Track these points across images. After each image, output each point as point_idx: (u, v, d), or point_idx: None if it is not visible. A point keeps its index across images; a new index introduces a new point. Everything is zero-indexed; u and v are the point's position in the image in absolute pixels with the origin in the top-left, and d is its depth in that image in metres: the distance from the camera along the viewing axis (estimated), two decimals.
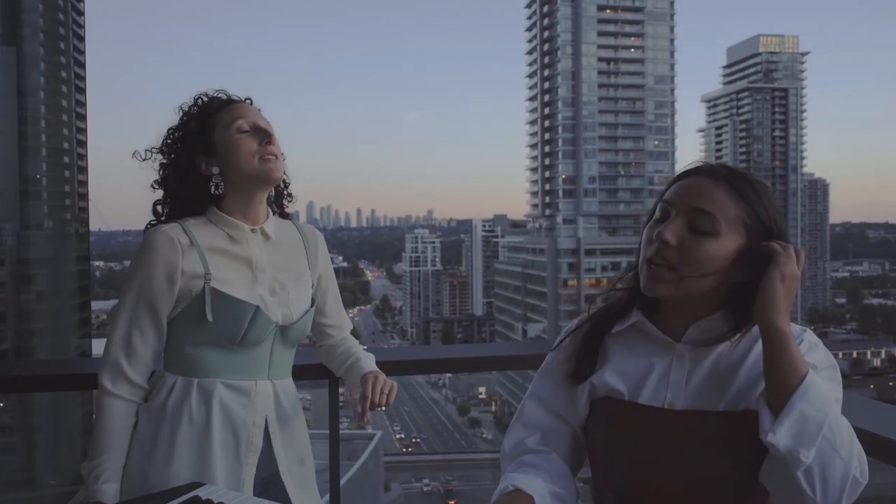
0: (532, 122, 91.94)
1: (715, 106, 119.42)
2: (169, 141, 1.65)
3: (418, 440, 64.38)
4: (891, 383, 74.15)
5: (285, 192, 1.82)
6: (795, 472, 1.02)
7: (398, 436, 63.07)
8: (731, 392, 1.16)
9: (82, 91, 40.74)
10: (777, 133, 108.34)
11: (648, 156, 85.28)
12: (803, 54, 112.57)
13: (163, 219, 1.65)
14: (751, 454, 1.09)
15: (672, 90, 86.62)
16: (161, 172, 1.65)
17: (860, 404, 1.60)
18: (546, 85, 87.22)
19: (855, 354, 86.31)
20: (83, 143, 41.00)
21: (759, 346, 1.13)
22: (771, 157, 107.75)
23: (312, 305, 1.75)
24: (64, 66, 38.19)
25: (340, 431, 2.17)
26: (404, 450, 59.46)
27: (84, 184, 40.27)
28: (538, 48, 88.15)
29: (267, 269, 1.65)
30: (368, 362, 1.82)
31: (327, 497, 2.14)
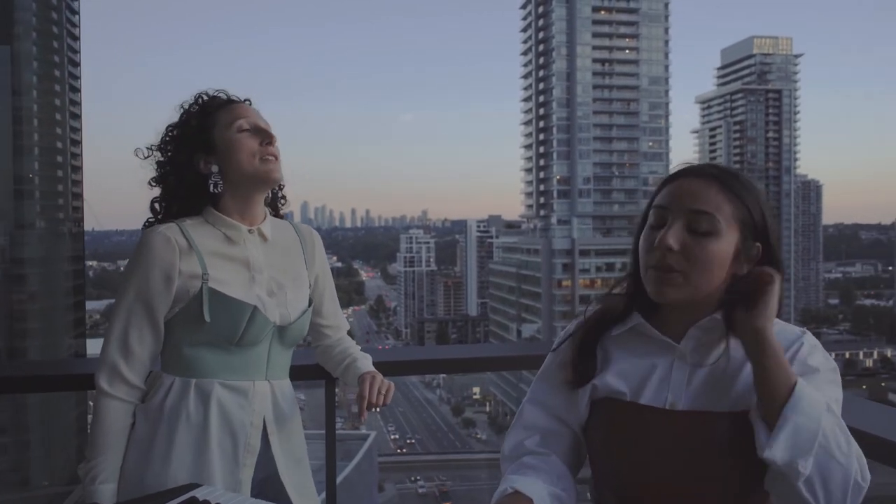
0: (527, 123, 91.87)
1: (709, 107, 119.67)
2: (168, 138, 1.65)
3: (413, 441, 64.36)
4: (883, 384, 74.46)
5: (280, 195, 1.82)
6: (796, 484, 1.03)
7: (393, 436, 63.02)
8: (733, 393, 1.17)
9: (77, 91, 40.63)
10: (771, 134, 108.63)
11: (643, 157, 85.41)
12: (797, 56, 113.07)
13: (160, 217, 1.65)
14: (752, 455, 1.09)
15: (666, 91, 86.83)
16: (159, 170, 1.64)
17: (858, 406, 1.60)
18: (541, 86, 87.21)
19: (847, 355, 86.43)
20: (77, 143, 40.84)
21: None
22: (765, 159, 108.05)
23: (310, 306, 1.75)
24: (58, 66, 38.04)
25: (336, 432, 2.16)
26: (399, 450, 59.41)
27: (78, 183, 40.12)
28: (533, 49, 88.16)
29: (264, 269, 1.65)
30: (366, 363, 1.82)
31: (323, 495, 2.13)
